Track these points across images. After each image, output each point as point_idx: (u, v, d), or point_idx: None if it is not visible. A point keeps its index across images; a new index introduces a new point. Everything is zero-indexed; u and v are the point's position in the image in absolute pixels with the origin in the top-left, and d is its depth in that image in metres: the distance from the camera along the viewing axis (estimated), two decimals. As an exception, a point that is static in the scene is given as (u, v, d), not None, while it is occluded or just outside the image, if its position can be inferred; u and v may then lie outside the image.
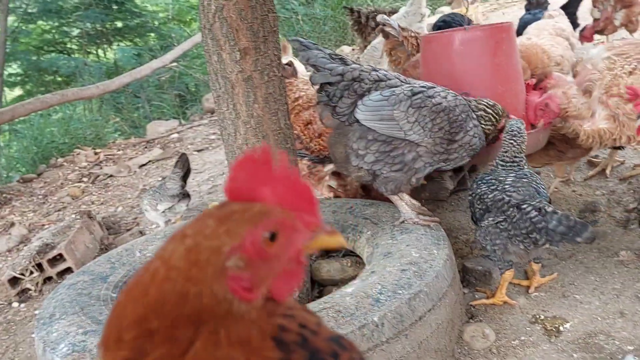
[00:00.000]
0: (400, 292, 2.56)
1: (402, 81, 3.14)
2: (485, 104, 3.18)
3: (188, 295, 0.59)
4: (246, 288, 0.61)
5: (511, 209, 2.84)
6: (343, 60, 3.13)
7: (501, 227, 2.88)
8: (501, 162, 3.13)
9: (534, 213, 2.74)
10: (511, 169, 3.08)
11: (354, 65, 3.12)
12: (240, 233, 0.62)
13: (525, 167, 3.13)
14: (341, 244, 0.69)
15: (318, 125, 3.88)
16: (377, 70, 3.14)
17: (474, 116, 3.12)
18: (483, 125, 3.15)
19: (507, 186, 2.96)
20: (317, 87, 3.18)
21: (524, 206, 2.79)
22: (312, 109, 4.01)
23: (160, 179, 6.14)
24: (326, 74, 3.06)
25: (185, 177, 4.79)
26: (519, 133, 3.07)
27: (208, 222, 0.63)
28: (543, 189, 3.03)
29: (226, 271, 0.60)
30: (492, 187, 3.01)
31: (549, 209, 2.73)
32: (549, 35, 4.83)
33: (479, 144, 3.16)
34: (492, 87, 3.42)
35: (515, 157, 3.09)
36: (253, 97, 2.84)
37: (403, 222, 3.17)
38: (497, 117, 3.19)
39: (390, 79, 3.11)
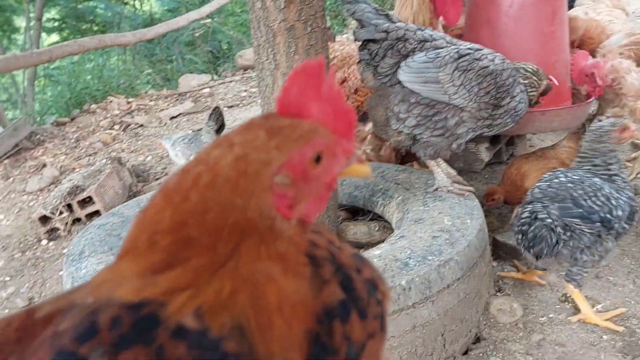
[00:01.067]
0: (430, 258, 2.52)
1: (448, 42, 3.02)
2: (531, 68, 3.07)
3: (233, 206, 0.56)
4: (288, 205, 0.59)
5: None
6: (389, 17, 3.03)
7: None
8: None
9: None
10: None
11: (399, 24, 3.01)
12: (290, 150, 0.59)
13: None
14: (368, 174, 0.69)
15: (352, 81, 3.82)
16: (422, 30, 3.03)
17: (521, 80, 3.00)
18: (528, 92, 3.04)
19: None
20: (359, 44, 3.09)
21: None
22: (346, 67, 3.94)
23: (190, 131, 6.12)
24: (371, 30, 2.97)
25: (219, 131, 4.75)
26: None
27: (258, 133, 0.60)
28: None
29: (273, 187, 0.58)
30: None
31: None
32: (607, 8, 4.60)
33: (524, 110, 3.05)
34: (544, 55, 3.30)
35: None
36: (294, 48, 2.77)
37: (437, 189, 3.10)
38: (539, 82, 3.07)
39: (436, 40, 3.00)
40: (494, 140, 4.13)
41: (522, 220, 2.72)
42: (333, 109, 0.65)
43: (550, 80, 3.08)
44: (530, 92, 3.05)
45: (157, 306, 0.53)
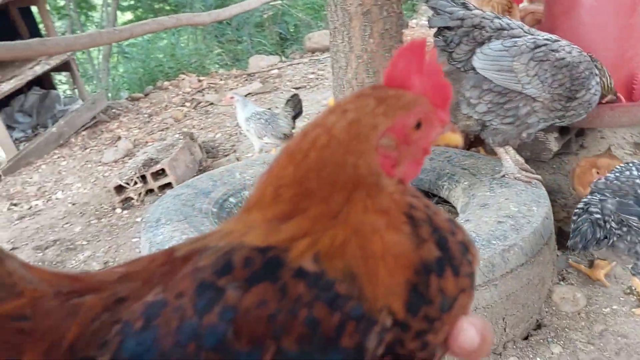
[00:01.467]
0: (495, 242, 2.55)
1: (525, 32, 3.01)
2: (606, 70, 3.05)
3: (346, 163, 0.64)
4: (391, 165, 0.67)
5: None
6: (465, 5, 3.04)
7: None
8: None
9: None
10: None
11: (475, 12, 3.02)
12: (394, 116, 0.67)
13: None
14: (459, 142, 0.76)
15: None
16: (499, 18, 3.03)
17: (597, 72, 2.98)
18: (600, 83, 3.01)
19: None
20: (434, 30, 3.12)
21: None
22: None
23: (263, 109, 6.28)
24: (445, 18, 3.00)
25: (295, 117, 4.83)
26: None
27: (368, 101, 0.68)
28: None
29: (379, 148, 0.66)
30: None
31: None
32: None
33: (597, 102, 3.02)
34: (620, 48, 3.24)
35: None
36: (369, 32, 2.84)
37: (504, 175, 3.11)
38: (609, 85, 3.05)
39: (513, 29, 3.00)
40: (564, 130, 4.08)
41: (575, 211, 2.73)
42: (432, 82, 0.72)
43: (619, 98, 3.06)
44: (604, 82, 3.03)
45: (282, 251, 0.62)
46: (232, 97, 5.08)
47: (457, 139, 0.75)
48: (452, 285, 0.67)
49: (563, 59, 2.90)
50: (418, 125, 0.69)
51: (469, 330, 0.68)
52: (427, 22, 3.13)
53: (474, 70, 2.98)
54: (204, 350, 0.57)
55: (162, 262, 0.67)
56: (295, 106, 4.75)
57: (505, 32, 2.98)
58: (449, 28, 3.00)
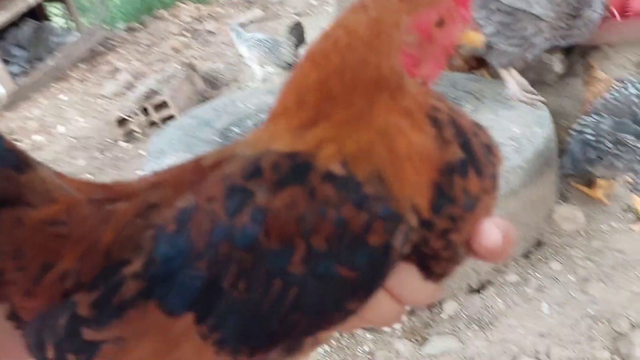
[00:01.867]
0: (497, 164, 2.58)
1: None
2: None
3: (369, 63, 0.64)
4: (413, 64, 0.66)
5: None
6: None
7: None
8: None
9: None
10: None
11: None
12: (417, 13, 0.65)
13: None
14: (481, 41, 0.73)
15: None
16: None
17: None
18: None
19: None
20: None
21: None
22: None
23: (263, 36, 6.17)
24: None
25: (298, 47, 4.74)
26: None
27: None
28: None
29: (402, 46, 0.64)
30: None
31: None
32: None
33: (599, 19, 2.98)
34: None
35: None
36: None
37: (508, 98, 3.11)
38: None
39: None
40: (568, 51, 4.03)
41: (572, 132, 2.75)
42: None
43: (612, 14, 3.00)
44: None
45: (310, 156, 0.62)
46: (226, 32, 4.96)
47: (479, 37, 0.73)
48: (476, 185, 0.67)
49: None
50: (441, 23, 0.67)
51: (491, 230, 0.68)
52: None
53: None
54: (237, 249, 0.59)
55: (191, 170, 0.68)
56: (299, 35, 4.65)
57: None
58: None
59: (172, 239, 0.61)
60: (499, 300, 2.55)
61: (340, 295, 0.63)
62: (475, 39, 0.73)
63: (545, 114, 2.99)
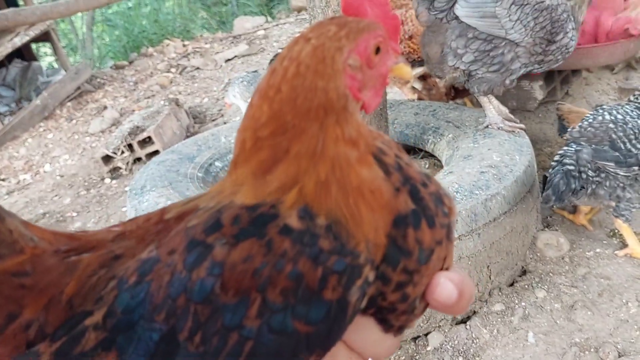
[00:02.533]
0: (477, 192, 2.57)
1: None
2: None
3: (316, 89, 0.65)
4: (357, 88, 0.68)
5: None
6: None
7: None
8: None
9: None
10: None
11: None
12: (357, 39, 0.67)
13: None
14: (410, 75, 0.75)
15: (409, 26, 3.78)
16: None
17: (573, 17, 2.96)
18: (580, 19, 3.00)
19: None
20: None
21: None
22: (404, 8, 3.89)
23: (244, 73, 6.22)
24: None
25: None
26: None
27: (329, 27, 0.68)
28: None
29: (346, 69, 0.66)
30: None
31: None
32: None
33: (573, 47, 3.01)
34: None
35: None
36: (345, -14, 2.79)
37: (487, 126, 3.11)
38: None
39: None
40: (548, 78, 4.06)
41: (552, 163, 2.75)
42: (383, 12, 0.73)
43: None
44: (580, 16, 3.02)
45: (269, 207, 0.64)
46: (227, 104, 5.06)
47: (409, 71, 0.75)
48: (428, 237, 0.68)
49: (542, 1, 2.88)
50: (377, 50, 0.70)
51: (446, 285, 0.69)
52: None
53: (457, 20, 2.94)
54: (193, 302, 0.61)
55: (155, 222, 0.70)
56: None
57: None
58: None
59: (132, 290, 0.62)
60: (484, 330, 2.51)
61: (296, 349, 0.63)
62: (404, 73, 0.74)
63: (525, 141, 2.99)
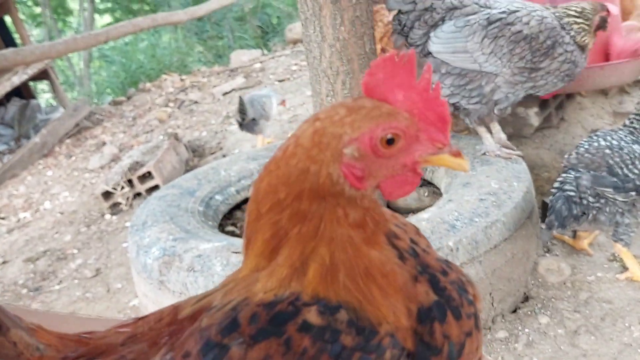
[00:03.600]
0: (477, 220, 2.58)
1: (481, 7, 2.96)
2: (574, 11, 2.93)
3: (308, 171, 0.65)
4: (357, 177, 0.66)
5: None
6: None
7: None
8: None
9: None
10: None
11: None
12: (362, 127, 0.66)
13: None
14: (464, 168, 0.71)
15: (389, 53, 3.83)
16: None
17: (567, 39, 2.90)
18: (577, 40, 2.93)
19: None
20: (394, 14, 3.11)
21: None
22: (386, 37, 3.92)
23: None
24: (399, 1, 2.99)
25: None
26: None
27: (339, 110, 0.67)
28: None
29: (342, 157, 0.65)
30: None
31: None
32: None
33: (573, 68, 2.96)
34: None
35: None
36: (340, 20, 2.85)
37: (484, 153, 3.14)
38: (588, 21, 2.93)
39: (466, 6, 2.96)
40: (543, 104, 4.11)
41: (551, 189, 2.78)
42: (423, 99, 0.69)
43: (607, 11, 2.94)
44: (582, 38, 2.94)
45: (288, 304, 0.63)
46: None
47: (461, 164, 0.70)
48: (456, 330, 0.66)
49: (520, 32, 2.86)
50: (391, 141, 0.67)
51: None
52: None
53: (432, 55, 2.98)
54: None
55: (168, 322, 0.70)
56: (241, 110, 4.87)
57: (458, 11, 2.96)
58: (402, 12, 3.00)
59: None
60: (489, 358, 2.50)
61: None
62: (453, 163, 0.70)
63: (522, 167, 3.02)
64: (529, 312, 2.69)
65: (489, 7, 2.97)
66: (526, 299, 2.79)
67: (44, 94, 12.92)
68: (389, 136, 0.66)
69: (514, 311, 2.73)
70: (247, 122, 4.92)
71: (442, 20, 2.96)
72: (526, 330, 2.60)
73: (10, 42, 8.18)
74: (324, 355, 0.60)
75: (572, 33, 2.93)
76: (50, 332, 0.69)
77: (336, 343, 0.60)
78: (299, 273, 0.64)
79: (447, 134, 0.70)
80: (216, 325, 0.63)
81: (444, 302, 0.66)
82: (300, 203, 0.65)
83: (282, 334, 0.61)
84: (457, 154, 0.69)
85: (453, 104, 3.06)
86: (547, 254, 3.02)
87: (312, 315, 0.61)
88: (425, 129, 0.68)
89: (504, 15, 2.90)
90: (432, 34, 2.96)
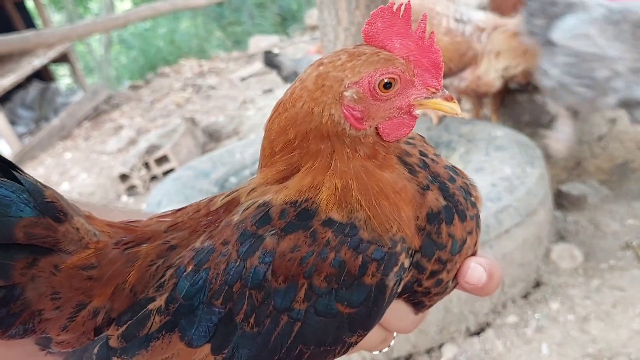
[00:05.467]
0: (489, 204, 2.58)
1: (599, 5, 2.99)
2: None
3: (313, 113, 0.71)
4: (357, 118, 0.71)
5: None
6: None
7: None
8: None
9: None
10: None
11: None
12: (361, 72, 0.71)
13: None
14: (455, 111, 0.75)
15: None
16: None
17: None
18: None
19: None
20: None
21: None
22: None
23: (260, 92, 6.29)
24: None
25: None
26: None
27: (341, 55, 0.72)
28: None
29: (343, 99, 0.70)
30: None
31: None
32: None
33: None
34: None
35: None
36: (355, 4, 2.85)
37: (496, 137, 3.13)
38: None
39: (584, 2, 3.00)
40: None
41: None
42: (419, 47, 0.73)
43: None
44: None
45: (311, 203, 0.71)
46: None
47: (452, 107, 0.75)
48: (461, 230, 0.76)
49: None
50: (388, 85, 0.72)
51: (475, 268, 0.78)
52: None
53: (550, 43, 3.01)
54: (248, 288, 0.69)
55: (205, 213, 0.77)
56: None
57: (577, 7, 3.00)
58: None
59: (191, 277, 0.70)
60: (498, 342, 2.52)
61: (340, 330, 0.71)
62: (446, 109, 0.74)
63: (536, 153, 3.01)
64: (540, 298, 2.69)
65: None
66: (537, 284, 2.79)
67: (63, 78, 13.02)
68: (386, 80, 0.71)
69: (525, 296, 2.73)
70: (288, 75, 5.04)
71: (562, 14, 3.02)
72: (536, 315, 2.60)
73: (31, 26, 8.27)
74: (344, 247, 0.69)
75: None
76: (101, 220, 0.77)
77: (355, 237, 0.69)
78: (315, 188, 0.71)
79: (440, 79, 0.75)
80: (250, 218, 0.71)
81: (452, 206, 0.75)
82: (308, 143, 0.71)
83: (308, 228, 0.69)
84: (449, 99, 0.75)
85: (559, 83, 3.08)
86: (560, 241, 3.00)
87: (334, 213, 0.70)
88: (420, 74, 0.74)
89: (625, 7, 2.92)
90: (553, 25, 3.02)
